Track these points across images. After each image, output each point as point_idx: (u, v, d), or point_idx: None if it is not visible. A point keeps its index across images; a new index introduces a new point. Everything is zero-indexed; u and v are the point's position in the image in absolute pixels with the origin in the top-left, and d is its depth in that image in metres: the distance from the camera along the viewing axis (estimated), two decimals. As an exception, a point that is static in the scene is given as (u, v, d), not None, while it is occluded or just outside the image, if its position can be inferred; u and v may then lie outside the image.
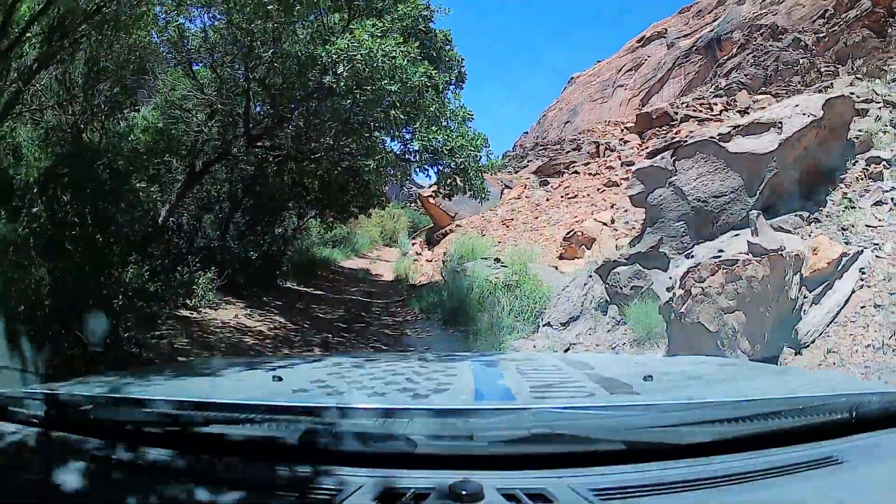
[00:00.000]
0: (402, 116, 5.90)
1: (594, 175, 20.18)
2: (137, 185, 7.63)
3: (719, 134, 7.81)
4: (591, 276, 7.71)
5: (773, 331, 5.04)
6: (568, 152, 23.50)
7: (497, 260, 11.53)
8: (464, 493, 0.78)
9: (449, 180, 7.09)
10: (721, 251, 5.36)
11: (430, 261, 15.59)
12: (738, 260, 5.02)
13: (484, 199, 8.14)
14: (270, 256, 10.58)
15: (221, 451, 0.95)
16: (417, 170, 7.21)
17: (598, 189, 18.87)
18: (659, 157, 9.51)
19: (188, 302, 7.07)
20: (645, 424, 0.99)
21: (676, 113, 18.81)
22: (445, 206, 23.19)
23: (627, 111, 25.61)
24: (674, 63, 26.03)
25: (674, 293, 5.33)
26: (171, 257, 7.57)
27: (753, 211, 5.78)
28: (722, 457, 0.92)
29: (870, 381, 3.85)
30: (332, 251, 18.30)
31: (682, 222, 7.78)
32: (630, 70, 28.88)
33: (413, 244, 25.89)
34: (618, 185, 17.95)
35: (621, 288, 7.15)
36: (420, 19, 7.55)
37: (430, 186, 24.78)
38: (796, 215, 6.88)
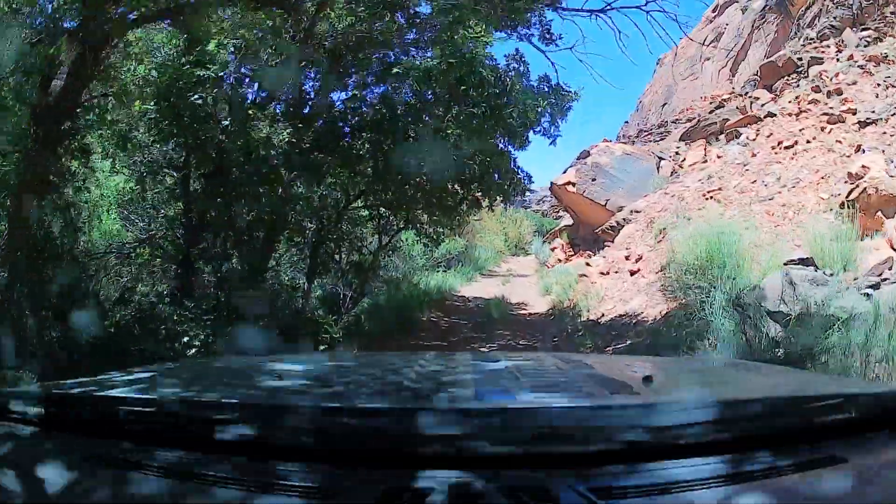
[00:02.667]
0: None
1: (798, 115, 14.05)
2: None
3: None
4: None
5: None
6: (710, 112, 18.90)
7: (806, 262, 5.11)
8: (464, 493, 0.78)
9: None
10: None
11: (607, 273, 9.28)
12: None
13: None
14: (299, 321, 5.06)
15: (221, 450, 0.91)
16: None
17: (821, 129, 12.93)
18: None
19: None
20: (645, 424, 0.93)
21: (800, 59, 16.77)
22: (592, 193, 16.80)
23: (720, 83, 25.06)
24: (752, 27, 24.86)
25: None
26: None
27: None
28: (722, 457, 0.88)
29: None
30: (446, 275, 12.65)
31: None
32: (712, 42, 27.22)
33: (553, 249, 19.64)
34: (842, 121, 13.30)
35: None
36: None
37: (574, 167, 18.51)
38: None
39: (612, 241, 11.41)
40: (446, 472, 0.80)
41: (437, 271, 13.15)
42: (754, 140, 12.97)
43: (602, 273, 9.29)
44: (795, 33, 22.25)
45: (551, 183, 18.60)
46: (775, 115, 14.18)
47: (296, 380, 1.39)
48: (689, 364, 2.13)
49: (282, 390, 1.25)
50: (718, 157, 12.26)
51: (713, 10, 28.67)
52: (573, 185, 17.24)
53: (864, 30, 17.88)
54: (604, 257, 10.30)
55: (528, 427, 0.90)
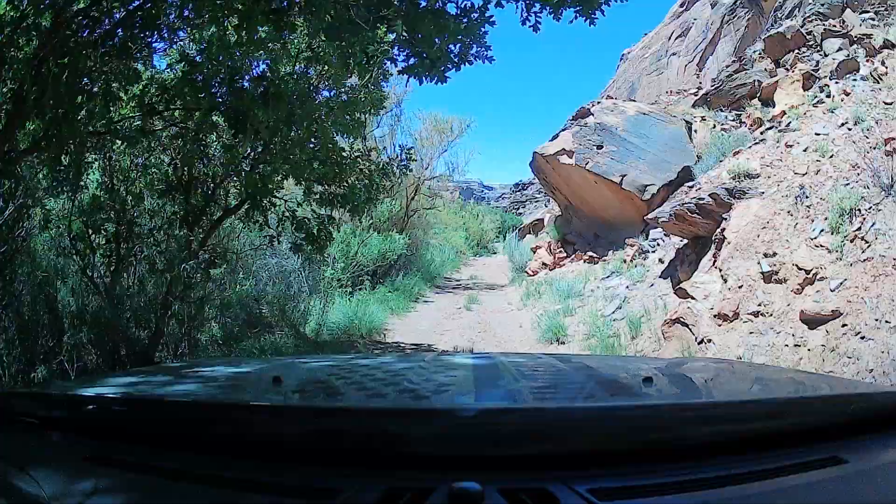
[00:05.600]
0: None
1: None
2: None
3: None
4: None
5: None
6: (733, 75, 15.43)
7: None
8: (464, 493, 0.74)
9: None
10: None
11: (734, 316, 3.82)
12: None
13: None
14: None
15: (220, 451, 0.91)
16: None
17: None
18: None
19: None
20: (645, 425, 0.93)
21: (810, 32, 14.55)
22: (598, 166, 11.44)
23: (686, 78, 25.21)
24: (722, 21, 24.80)
25: None
26: None
27: None
28: (722, 458, 0.87)
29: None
30: (368, 299, 7.04)
31: None
32: (679, 36, 27.60)
33: (534, 249, 14.25)
34: None
35: None
36: None
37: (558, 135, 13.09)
38: None
39: (682, 236, 6.09)
40: (446, 472, 0.78)
41: (358, 291, 7.49)
42: (885, 74, 8.00)
43: (721, 316, 3.88)
44: (772, 24, 19.97)
45: (534, 154, 13.19)
46: (894, 44, 9.27)
47: (296, 381, 1.35)
48: (690, 365, 1.99)
49: (282, 391, 1.20)
50: (846, 93, 7.10)
51: (681, 5, 28.45)
52: (569, 154, 11.86)
53: (863, 12, 15.66)
54: (717, 272, 4.71)
55: (527, 428, 0.88)
